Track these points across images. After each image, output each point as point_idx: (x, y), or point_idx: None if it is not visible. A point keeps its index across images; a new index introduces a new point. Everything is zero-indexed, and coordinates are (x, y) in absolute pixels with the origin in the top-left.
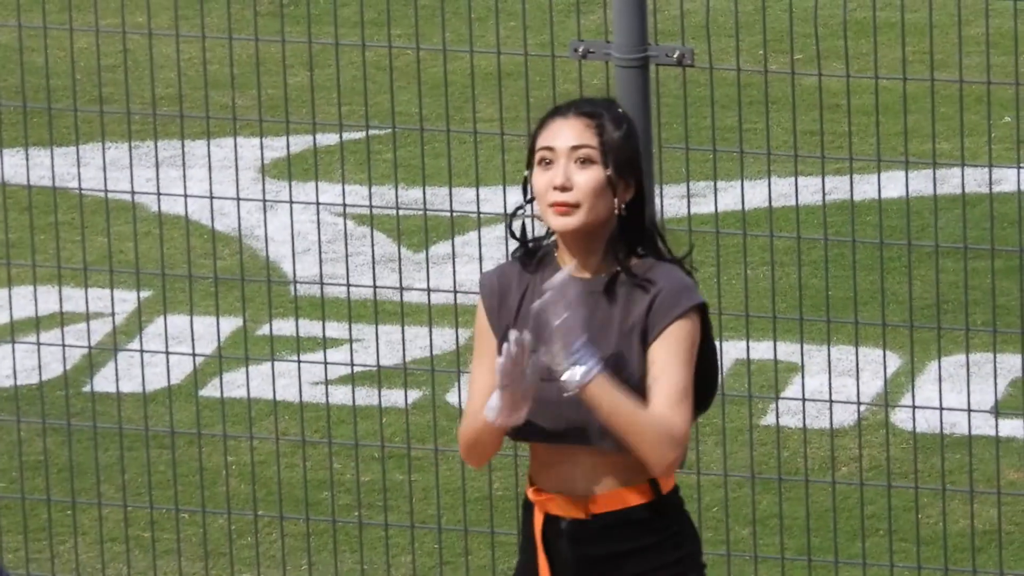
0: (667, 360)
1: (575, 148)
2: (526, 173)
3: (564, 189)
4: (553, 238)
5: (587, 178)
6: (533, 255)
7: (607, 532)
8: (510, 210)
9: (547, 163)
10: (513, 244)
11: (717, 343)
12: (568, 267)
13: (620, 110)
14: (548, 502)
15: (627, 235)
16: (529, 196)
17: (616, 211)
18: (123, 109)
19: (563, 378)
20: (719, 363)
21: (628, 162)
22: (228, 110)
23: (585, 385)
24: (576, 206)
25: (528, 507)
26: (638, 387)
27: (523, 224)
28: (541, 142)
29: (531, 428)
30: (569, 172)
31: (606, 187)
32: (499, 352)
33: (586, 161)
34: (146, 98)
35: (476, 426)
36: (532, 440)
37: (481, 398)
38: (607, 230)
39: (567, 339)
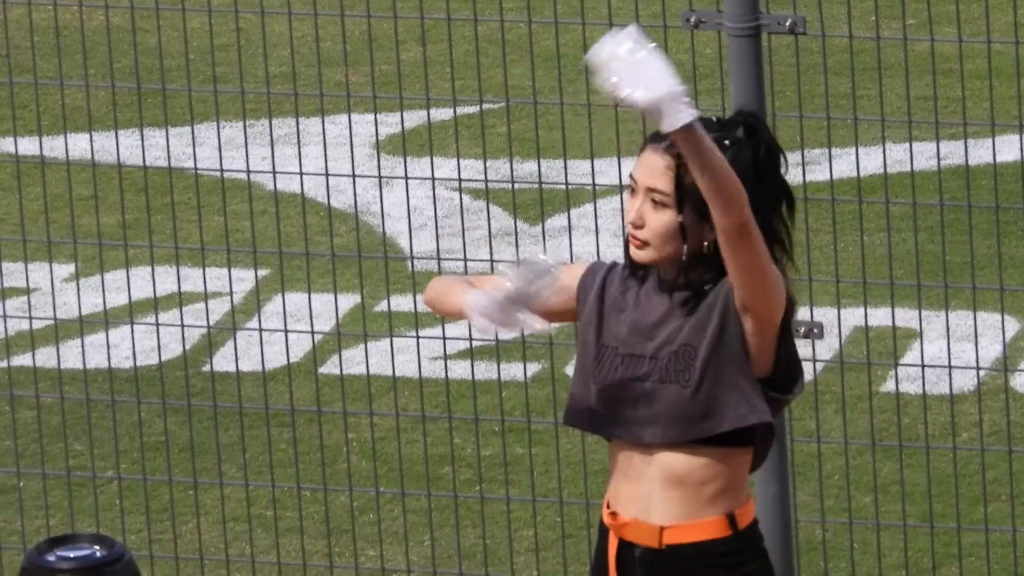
0: None
1: (650, 190)
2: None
3: (636, 226)
4: None
5: (657, 220)
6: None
7: (680, 564)
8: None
9: (632, 191)
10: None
11: (835, 311)
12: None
13: (725, 142)
14: (623, 527)
15: (717, 267)
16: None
17: (682, 256)
18: (237, 88)
19: (671, 120)
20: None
21: None
22: (342, 87)
23: (691, 123)
24: (646, 243)
25: (603, 530)
26: (721, 364)
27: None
28: (634, 167)
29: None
30: (643, 210)
31: (676, 232)
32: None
33: (659, 204)
34: (260, 77)
35: (454, 299)
36: (585, 427)
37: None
38: (696, 258)
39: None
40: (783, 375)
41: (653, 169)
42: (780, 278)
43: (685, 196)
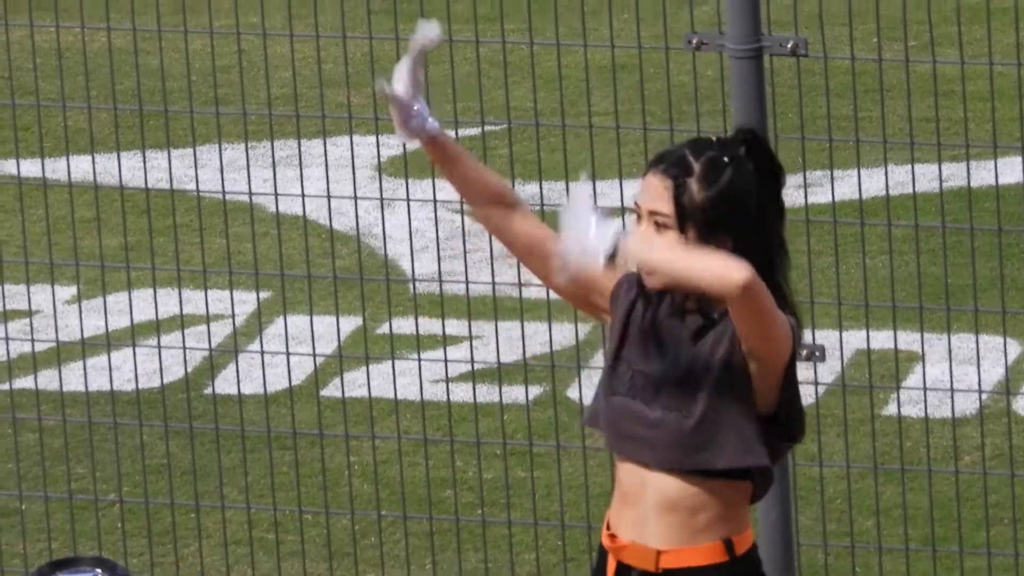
0: None
1: (651, 213)
2: None
3: None
4: None
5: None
6: None
7: None
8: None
9: (637, 218)
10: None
11: (836, 334)
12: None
13: (724, 159)
14: (621, 550)
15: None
16: None
17: None
18: (239, 110)
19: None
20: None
21: (717, 222)
22: (343, 109)
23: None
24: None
25: (602, 552)
26: (723, 399)
27: None
28: (636, 194)
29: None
30: (648, 235)
31: None
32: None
33: (662, 226)
34: (261, 98)
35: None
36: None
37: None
38: None
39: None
40: (785, 416)
41: (653, 192)
42: (786, 322)
43: (686, 215)
